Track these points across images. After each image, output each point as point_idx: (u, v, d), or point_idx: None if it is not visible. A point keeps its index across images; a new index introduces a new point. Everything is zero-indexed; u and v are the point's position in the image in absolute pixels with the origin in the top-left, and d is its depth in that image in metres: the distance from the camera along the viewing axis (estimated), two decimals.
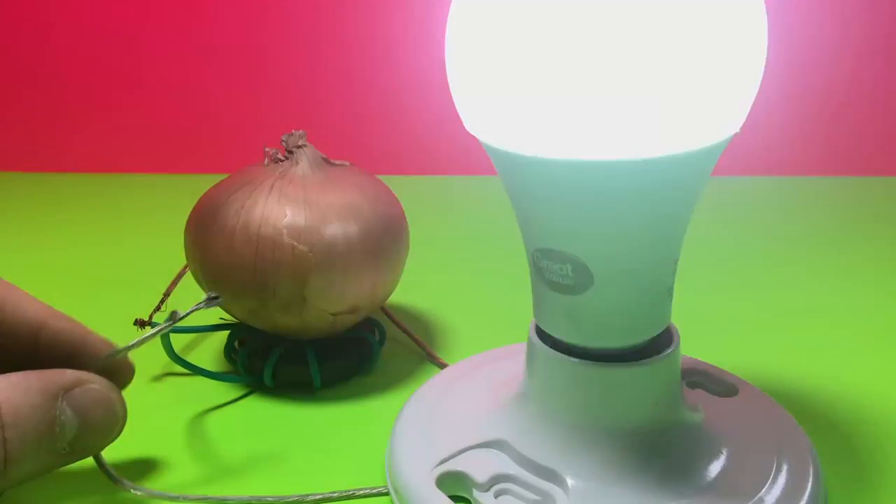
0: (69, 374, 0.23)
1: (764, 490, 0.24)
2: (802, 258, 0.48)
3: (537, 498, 0.25)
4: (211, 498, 0.26)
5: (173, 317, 0.26)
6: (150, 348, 0.31)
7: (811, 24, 0.62)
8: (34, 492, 0.27)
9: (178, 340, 0.37)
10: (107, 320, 0.40)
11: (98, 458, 0.26)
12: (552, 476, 0.25)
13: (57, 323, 0.26)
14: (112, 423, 0.24)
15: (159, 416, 0.32)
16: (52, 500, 0.27)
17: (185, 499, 0.26)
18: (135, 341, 0.25)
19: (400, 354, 0.37)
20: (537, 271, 0.25)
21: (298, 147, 0.33)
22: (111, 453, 0.29)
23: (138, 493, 0.26)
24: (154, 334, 0.26)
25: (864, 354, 0.36)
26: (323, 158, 0.34)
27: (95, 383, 0.24)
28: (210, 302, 0.27)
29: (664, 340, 0.26)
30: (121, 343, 0.26)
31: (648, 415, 0.26)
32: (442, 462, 0.26)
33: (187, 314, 0.26)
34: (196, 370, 0.33)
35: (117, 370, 0.26)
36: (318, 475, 0.28)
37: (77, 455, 0.24)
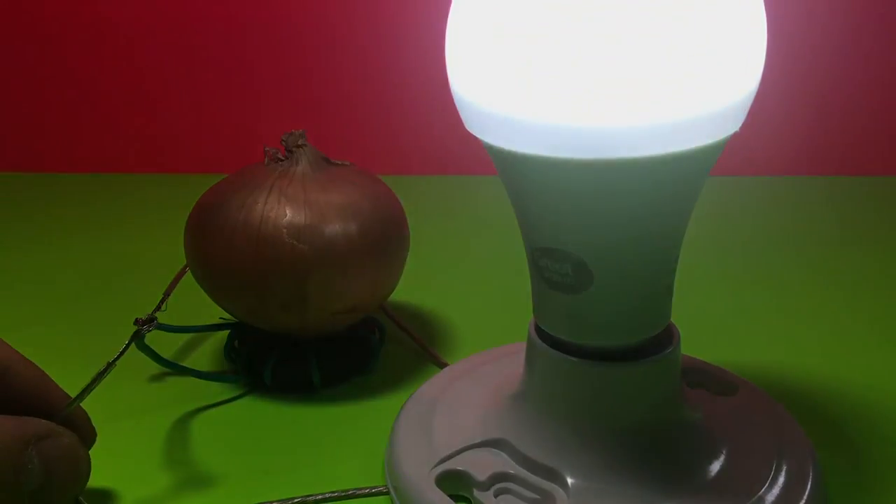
0: (43, 424, 0.23)
1: (764, 489, 0.24)
2: (802, 258, 0.48)
3: (537, 497, 0.25)
4: None
5: (107, 368, 0.26)
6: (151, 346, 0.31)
7: (811, 23, 0.62)
8: None
9: (177, 339, 0.37)
10: (107, 320, 0.40)
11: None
12: (552, 475, 0.25)
13: (21, 370, 0.25)
14: (75, 480, 0.24)
15: (159, 415, 0.32)
16: None
17: None
18: (85, 388, 0.25)
19: (400, 354, 0.37)
20: (537, 270, 0.25)
21: (298, 147, 0.33)
22: (111, 447, 0.29)
23: None
24: (100, 377, 0.25)
25: (864, 354, 0.36)
26: (323, 158, 0.34)
27: (66, 437, 0.24)
28: (144, 325, 0.27)
29: (664, 339, 0.26)
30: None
31: (648, 414, 0.26)
32: (442, 461, 0.26)
33: (125, 349, 0.26)
34: (194, 373, 0.33)
35: (79, 430, 0.26)
36: (318, 475, 0.28)
37: None
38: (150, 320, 0.27)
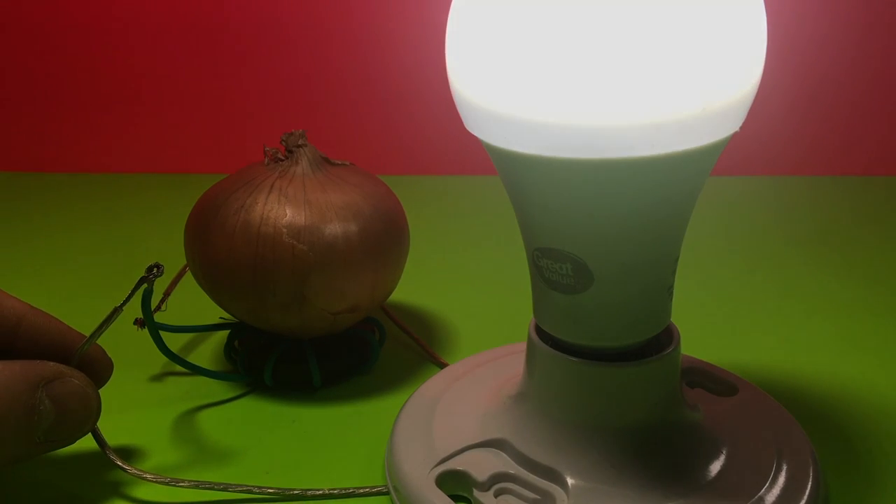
0: (50, 366, 0.25)
1: (764, 489, 0.24)
2: (802, 258, 0.48)
3: (537, 497, 0.25)
4: (207, 483, 0.27)
5: (115, 312, 0.27)
6: (150, 347, 0.31)
7: (812, 23, 0.62)
8: (29, 472, 0.28)
9: (177, 340, 0.37)
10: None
11: (100, 440, 0.27)
12: (552, 475, 0.25)
13: (35, 318, 0.27)
14: (86, 416, 0.26)
15: (159, 414, 0.32)
16: (52, 481, 0.28)
17: (175, 483, 0.27)
18: (93, 333, 0.26)
19: (400, 354, 0.37)
20: (537, 270, 0.25)
21: (298, 146, 0.33)
22: (110, 445, 0.29)
23: (132, 473, 0.27)
24: (107, 321, 0.26)
25: (864, 354, 0.36)
26: (323, 158, 0.34)
27: (74, 377, 0.25)
28: (151, 271, 0.27)
29: (664, 340, 0.26)
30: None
31: (648, 414, 0.26)
32: (442, 461, 0.26)
33: (132, 293, 0.27)
34: (195, 369, 0.33)
35: (95, 365, 0.27)
36: (318, 474, 0.28)
37: (50, 445, 0.25)
38: (157, 266, 0.27)
